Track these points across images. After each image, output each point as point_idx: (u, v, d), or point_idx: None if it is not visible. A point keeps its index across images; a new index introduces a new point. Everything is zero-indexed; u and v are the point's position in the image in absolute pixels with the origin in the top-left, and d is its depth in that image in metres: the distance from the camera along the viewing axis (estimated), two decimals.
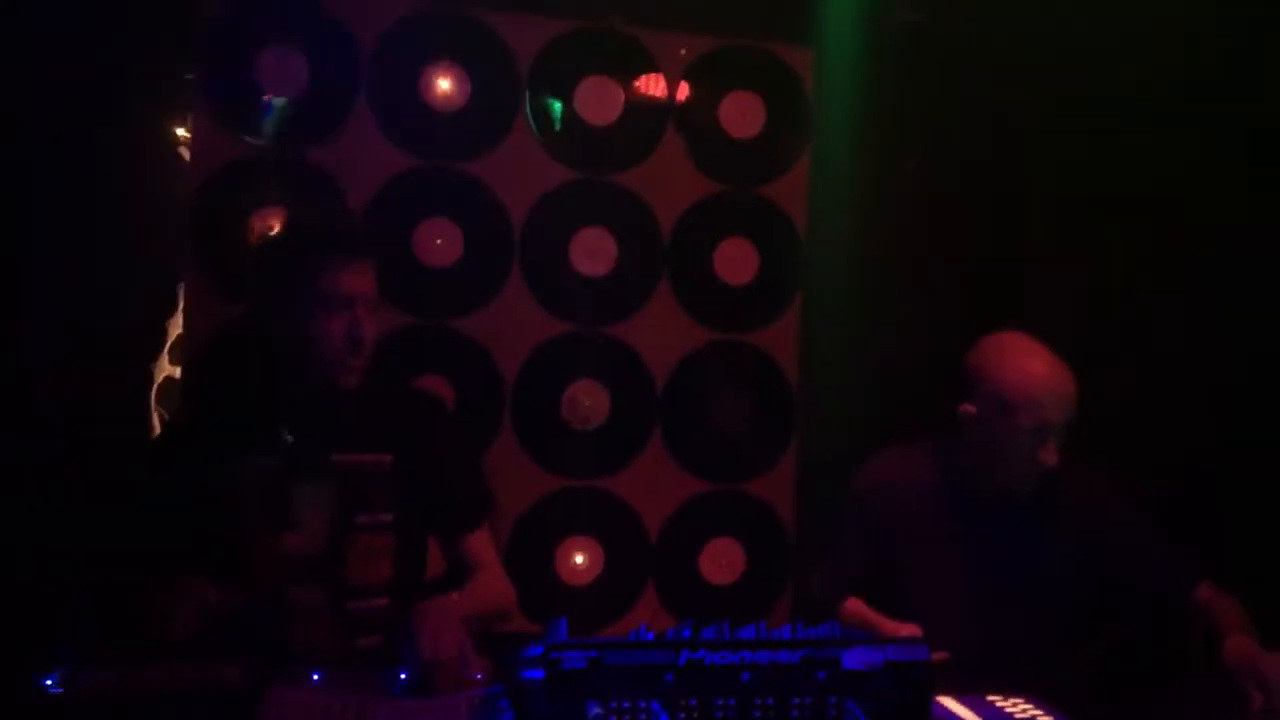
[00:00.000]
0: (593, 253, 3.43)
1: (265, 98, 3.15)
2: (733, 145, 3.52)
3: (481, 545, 2.41)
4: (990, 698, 2.09)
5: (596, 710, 1.67)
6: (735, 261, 3.52)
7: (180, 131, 3.18)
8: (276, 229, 2.81)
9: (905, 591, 2.45)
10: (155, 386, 3.17)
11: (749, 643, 1.76)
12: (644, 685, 1.71)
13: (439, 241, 3.28)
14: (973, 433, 2.44)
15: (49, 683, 1.78)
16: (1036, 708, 2.05)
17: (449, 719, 1.88)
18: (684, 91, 3.48)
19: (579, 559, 3.45)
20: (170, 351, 3.18)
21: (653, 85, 3.46)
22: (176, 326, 3.17)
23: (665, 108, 3.46)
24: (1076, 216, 3.47)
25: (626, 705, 1.70)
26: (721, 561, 3.54)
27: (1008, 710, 2.06)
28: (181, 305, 3.14)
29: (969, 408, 2.44)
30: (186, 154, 3.16)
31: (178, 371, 3.16)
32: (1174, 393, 3.29)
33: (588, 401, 3.42)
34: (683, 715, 1.71)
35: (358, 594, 2.29)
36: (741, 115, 3.53)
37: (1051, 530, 2.48)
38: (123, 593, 2.21)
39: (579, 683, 1.70)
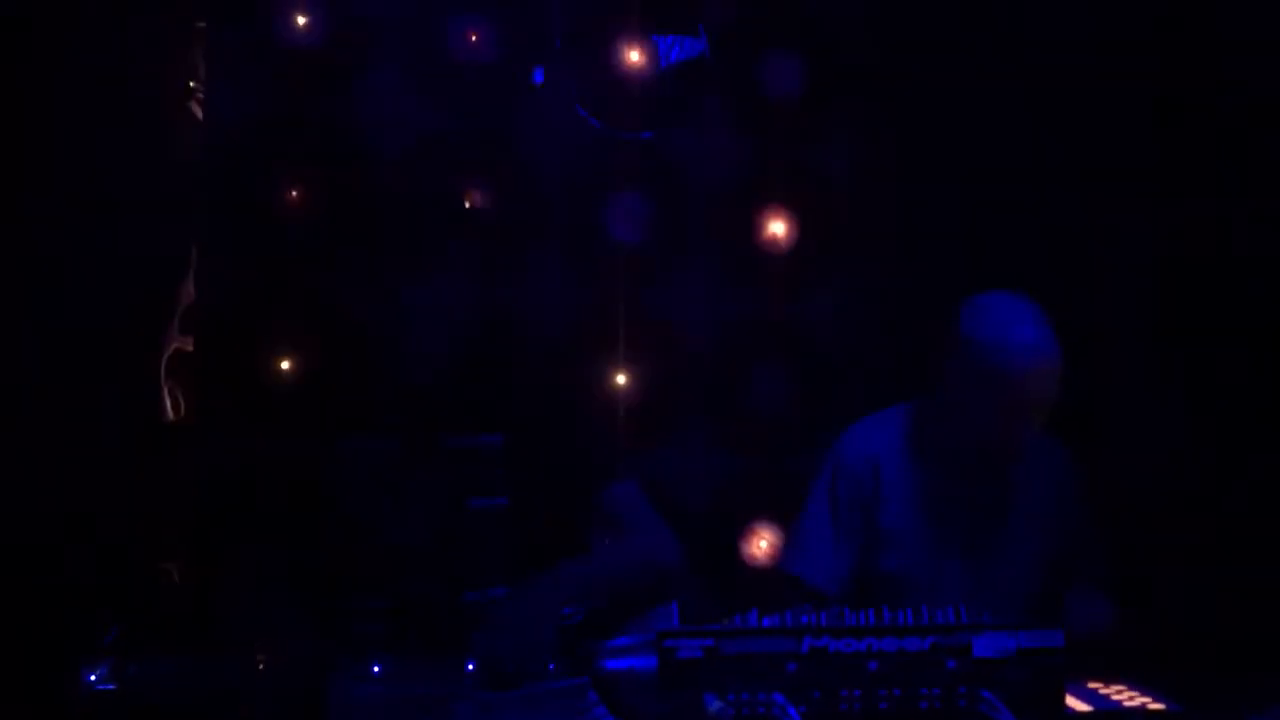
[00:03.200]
0: (628, 217, 3.26)
1: None
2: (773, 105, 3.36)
3: (625, 500, 2.27)
4: (1092, 685, 1.99)
5: (716, 704, 1.52)
6: (775, 228, 3.35)
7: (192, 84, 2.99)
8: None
9: (882, 564, 2.34)
10: (165, 357, 2.98)
11: (876, 629, 1.61)
12: (764, 676, 1.57)
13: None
14: (948, 393, 2.32)
15: (94, 678, 1.61)
16: (1141, 693, 1.96)
17: (533, 714, 1.72)
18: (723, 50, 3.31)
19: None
20: (181, 321, 3.00)
21: (690, 43, 3.30)
22: (188, 295, 2.99)
23: (703, 65, 3.29)
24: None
25: (747, 698, 1.55)
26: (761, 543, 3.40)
27: (1114, 697, 1.96)
28: (193, 271, 2.96)
29: (948, 366, 2.30)
30: (198, 110, 2.97)
31: (189, 342, 2.98)
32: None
33: (623, 376, 3.27)
34: (805, 708, 1.57)
35: (474, 584, 2.16)
36: (782, 74, 3.38)
37: (1025, 505, 2.38)
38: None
39: (694, 673, 1.54)
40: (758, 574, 3.38)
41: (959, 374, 2.29)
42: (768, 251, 3.36)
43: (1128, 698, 1.96)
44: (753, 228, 3.35)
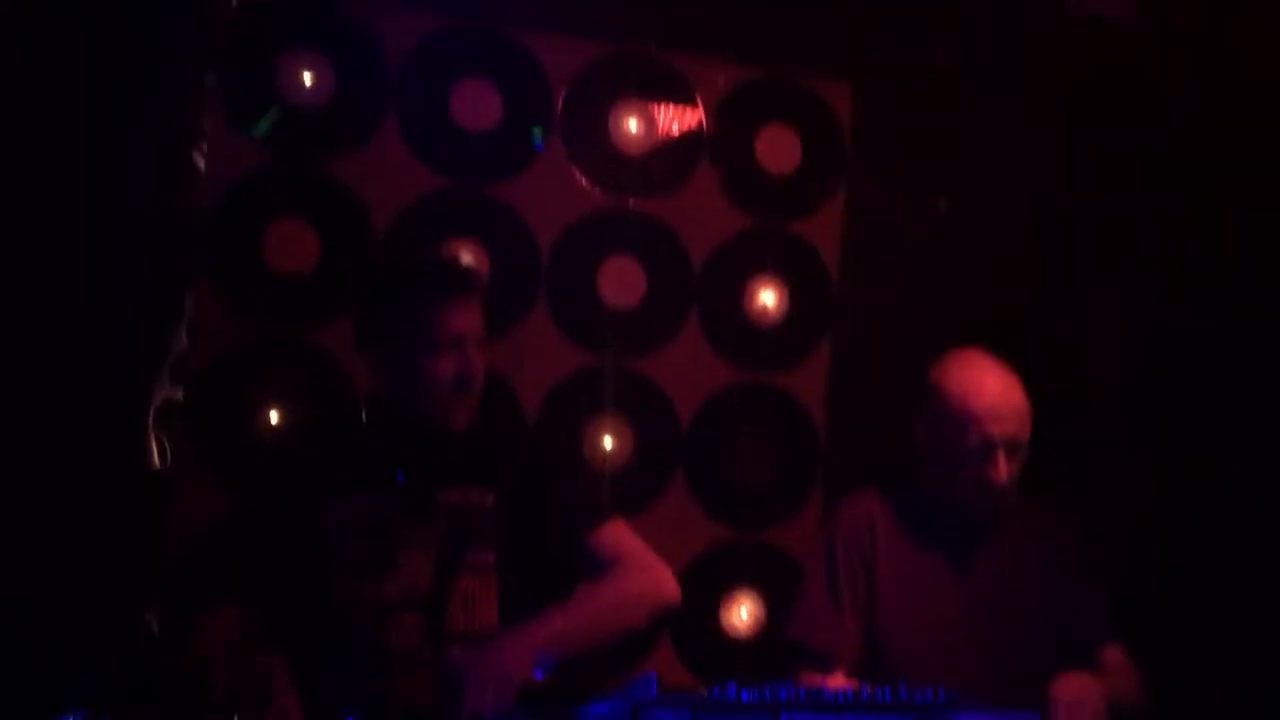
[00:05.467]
0: (621, 283, 3.29)
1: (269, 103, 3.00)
2: (767, 179, 3.41)
3: (612, 540, 2.23)
4: None
5: None
6: (765, 298, 3.40)
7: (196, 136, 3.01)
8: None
9: (882, 624, 2.37)
10: (154, 408, 2.97)
11: (854, 705, 1.61)
12: None
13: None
14: (924, 450, 2.41)
15: None
16: None
17: None
18: (719, 122, 3.37)
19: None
20: (171, 371, 2.99)
21: (688, 113, 3.35)
22: (180, 344, 2.98)
23: (700, 137, 3.35)
24: (1119, 267, 3.39)
25: None
26: (741, 611, 3.38)
27: None
28: (187, 320, 2.96)
29: (920, 425, 2.41)
30: (201, 161, 2.99)
31: (180, 393, 2.97)
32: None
33: (609, 439, 3.27)
34: None
35: (460, 639, 2.13)
36: (777, 149, 3.42)
37: (1024, 566, 2.42)
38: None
39: None
40: (743, 643, 3.38)
41: (931, 424, 2.39)
42: (758, 320, 3.40)
43: None
44: (743, 296, 3.39)
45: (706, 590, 3.35)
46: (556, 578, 2.22)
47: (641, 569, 2.21)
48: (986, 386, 2.35)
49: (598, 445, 3.26)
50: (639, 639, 2.13)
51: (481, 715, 1.91)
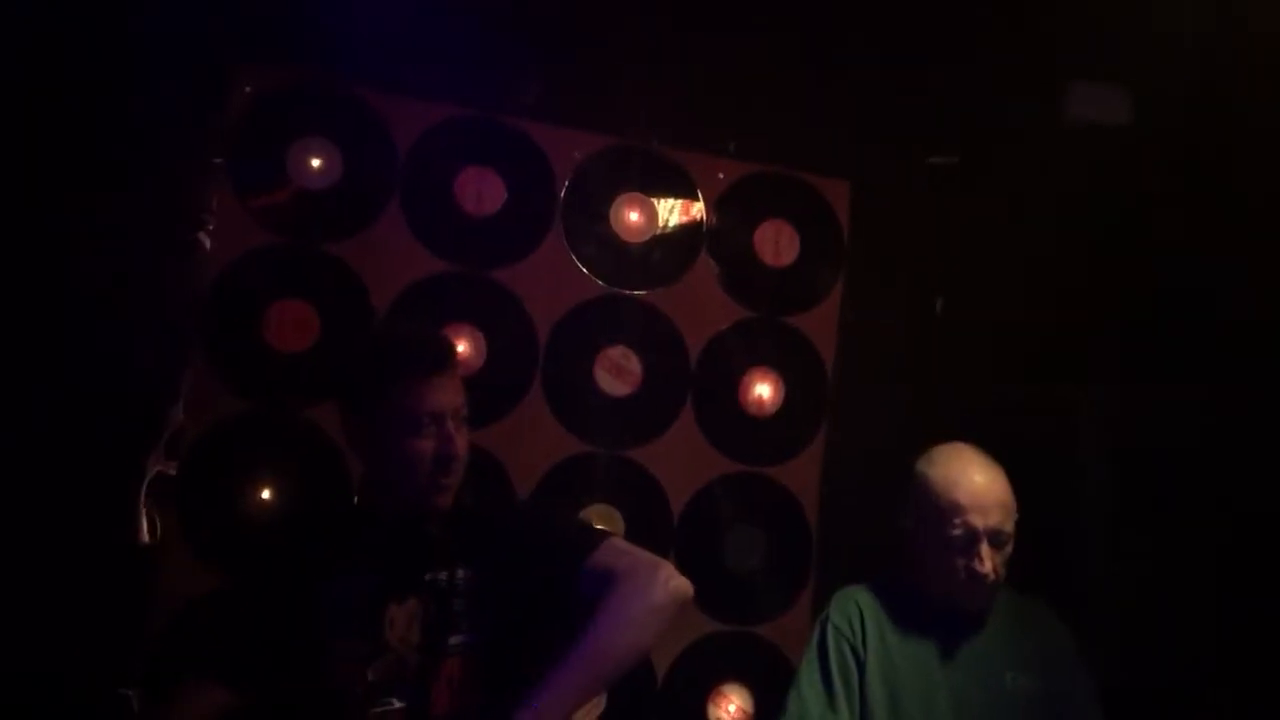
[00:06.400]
0: (617, 372, 3.31)
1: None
2: (766, 272, 3.46)
3: (613, 554, 2.16)
4: None
5: None
6: (761, 391, 3.42)
7: (202, 216, 3.06)
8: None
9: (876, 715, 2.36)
10: (147, 481, 2.97)
11: None
12: None
13: (462, 349, 3.15)
14: (911, 542, 2.45)
15: None
16: None
17: None
18: (719, 215, 3.42)
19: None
20: (166, 446, 3.00)
21: (689, 206, 3.40)
22: (176, 420, 3.00)
23: (700, 229, 3.40)
24: (1118, 361, 3.42)
25: None
26: (730, 707, 3.34)
27: None
28: (184, 396, 2.98)
29: (906, 517, 2.45)
30: (207, 241, 3.04)
31: (172, 468, 2.98)
32: None
33: (601, 527, 3.26)
34: None
35: None
36: (776, 243, 3.47)
37: (1012, 656, 2.42)
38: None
39: None
40: None
41: (916, 516, 2.43)
42: (753, 411, 3.41)
43: None
44: (739, 387, 3.41)
45: (695, 683, 3.32)
46: (544, 652, 2.16)
47: (648, 573, 2.14)
48: (970, 478, 2.39)
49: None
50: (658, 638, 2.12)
51: None
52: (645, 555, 2.20)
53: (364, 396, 2.19)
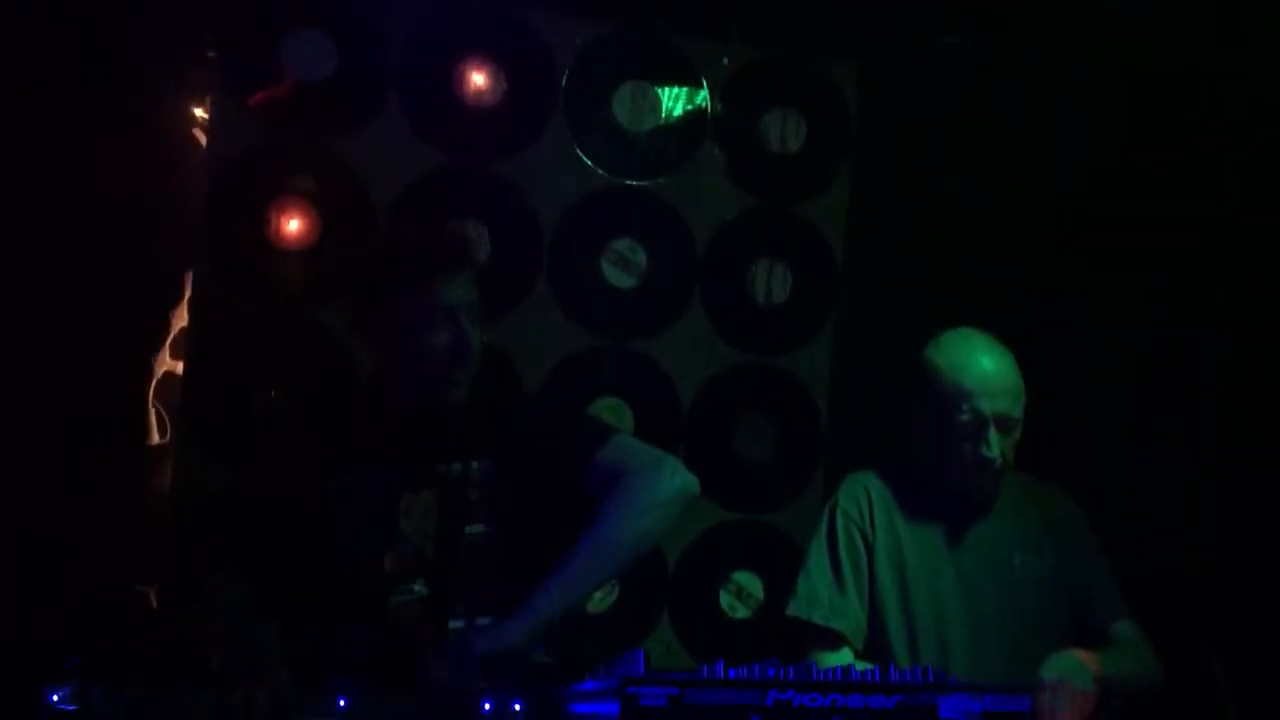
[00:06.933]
0: (623, 264, 3.28)
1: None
2: (772, 160, 3.40)
3: (617, 453, 2.19)
4: None
5: None
6: (769, 280, 3.39)
7: (198, 112, 3.01)
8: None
9: (883, 598, 2.39)
10: (155, 381, 2.98)
11: (841, 685, 1.60)
12: None
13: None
14: (919, 432, 2.43)
15: (56, 699, 1.60)
16: None
17: None
18: (724, 102, 3.35)
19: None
20: (172, 345, 3.00)
21: (693, 94, 3.33)
22: (181, 319, 2.99)
23: (704, 118, 3.33)
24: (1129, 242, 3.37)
25: None
26: (741, 594, 3.38)
27: None
28: (188, 296, 2.97)
29: (917, 400, 2.43)
30: (203, 137, 2.99)
31: (179, 366, 2.98)
32: None
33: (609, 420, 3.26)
34: None
35: (462, 612, 2.15)
36: (782, 130, 3.40)
37: (1020, 539, 2.43)
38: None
39: None
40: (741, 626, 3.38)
41: (925, 402, 2.40)
42: (761, 301, 3.39)
43: None
44: (746, 280, 3.38)
45: (707, 571, 3.36)
46: (558, 543, 2.20)
47: (655, 468, 2.19)
48: (978, 363, 2.36)
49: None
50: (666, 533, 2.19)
51: (479, 691, 1.91)
52: (652, 451, 2.24)
53: (379, 291, 2.19)
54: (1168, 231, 3.30)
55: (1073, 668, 2.09)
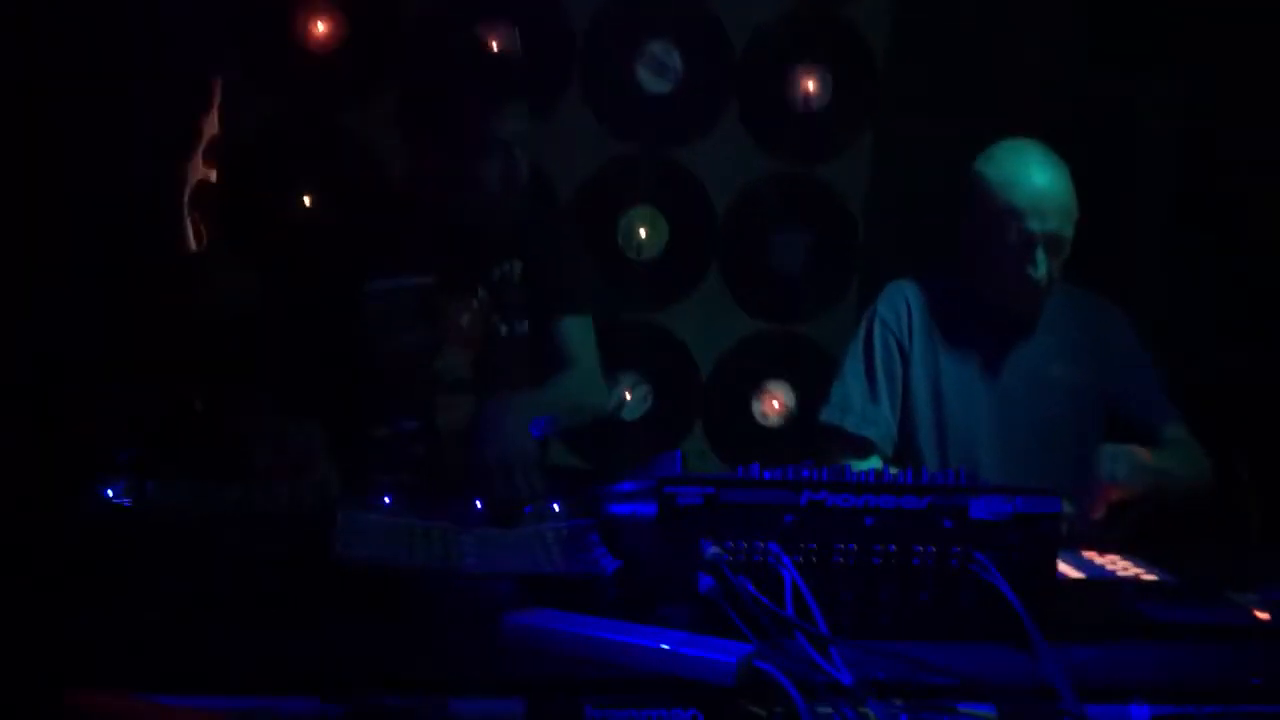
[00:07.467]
0: (658, 69, 3.19)
1: None
2: None
3: (574, 337, 2.32)
4: (1086, 553, 2.00)
5: (712, 549, 1.54)
6: (807, 84, 3.29)
7: None
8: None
9: (919, 405, 2.38)
10: (189, 189, 2.97)
11: (874, 486, 1.62)
12: (762, 526, 1.58)
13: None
14: (964, 245, 2.36)
15: (111, 493, 1.65)
16: (1135, 564, 1.96)
17: (537, 550, 1.76)
18: None
19: (626, 394, 3.31)
20: (205, 152, 2.98)
21: None
22: (212, 127, 2.96)
23: None
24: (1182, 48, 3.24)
25: (743, 545, 1.57)
26: (773, 404, 3.42)
27: (1108, 567, 1.97)
28: (218, 102, 2.93)
29: (965, 211, 2.35)
30: None
31: (212, 174, 2.96)
32: None
33: (644, 230, 3.24)
34: (800, 558, 1.59)
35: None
36: None
37: (1061, 353, 2.40)
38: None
39: (693, 520, 1.56)
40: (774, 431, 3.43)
41: (973, 215, 2.33)
42: (799, 107, 3.30)
43: (1121, 568, 1.97)
44: (785, 85, 3.29)
45: (740, 381, 3.39)
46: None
47: (584, 371, 2.32)
48: (1030, 180, 2.26)
49: (632, 235, 3.24)
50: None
51: (494, 469, 2.04)
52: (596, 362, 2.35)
53: (430, 114, 2.20)
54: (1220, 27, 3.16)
55: (1128, 458, 2.11)
